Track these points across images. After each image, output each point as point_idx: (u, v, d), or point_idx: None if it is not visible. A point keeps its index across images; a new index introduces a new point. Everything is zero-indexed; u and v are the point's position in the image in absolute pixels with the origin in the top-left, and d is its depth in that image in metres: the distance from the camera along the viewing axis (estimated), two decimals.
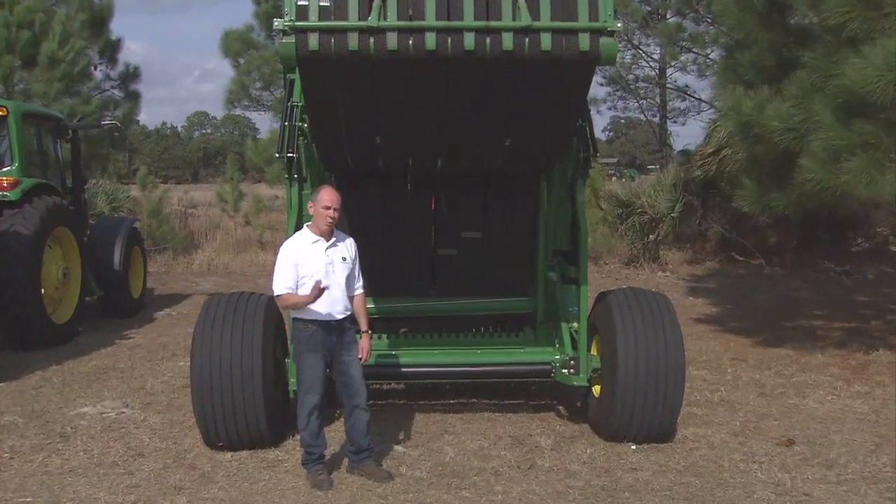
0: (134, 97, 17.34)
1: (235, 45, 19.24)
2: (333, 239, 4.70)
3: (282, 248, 4.70)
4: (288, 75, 5.83)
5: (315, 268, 4.58)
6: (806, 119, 6.61)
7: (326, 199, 4.60)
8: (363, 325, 4.82)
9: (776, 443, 5.42)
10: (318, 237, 4.65)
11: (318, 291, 4.46)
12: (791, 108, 6.71)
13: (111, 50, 17.01)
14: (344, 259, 4.69)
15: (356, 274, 4.82)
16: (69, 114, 13.46)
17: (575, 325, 5.66)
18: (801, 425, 5.84)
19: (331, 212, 4.57)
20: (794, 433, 5.62)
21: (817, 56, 6.70)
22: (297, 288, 4.59)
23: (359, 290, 4.84)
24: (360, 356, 4.73)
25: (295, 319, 4.63)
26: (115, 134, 10.04)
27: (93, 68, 16.12)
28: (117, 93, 17.24)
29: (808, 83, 6.69)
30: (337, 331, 4.66)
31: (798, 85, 6.72)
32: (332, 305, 4.61)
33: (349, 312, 4.73)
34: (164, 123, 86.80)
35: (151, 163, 59.73)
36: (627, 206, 14.93)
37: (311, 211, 4.68)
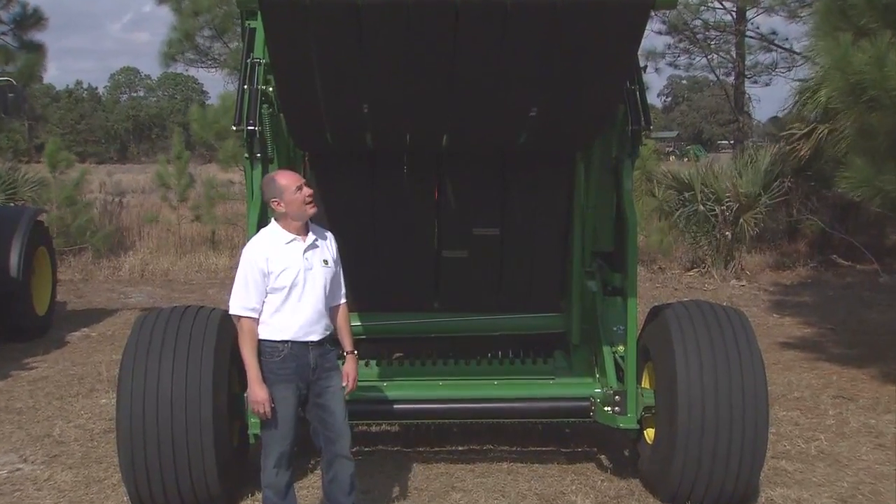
0: (34, 47, 17.30)
1: None
2: (312, 236, 4.72)
3: (244, 251, 4.67)
4: (247, 23, 5.85)
5: (290, 277, 4.57)
6: None
7: (293, 179, 4.66)
8: (348, 345, 4.83)
9: None
10: (293, 235, 4.65)
11: (264, 412, 4.55)
12: None
13: None
14: (326, 262, 4.71)
15: (340, 280, 4.87)
16: None
17: (621, 348, 5.74)
18: None
19: (307, 191, 4.64)
20: None
21: None
22: (262, 307, 4.59)
23: (342, 300, 4.88)
24: (344, 384, 4.73)
25: (261, 340, 4.61)
26: (10, 95, 10.00)
27: None
28: (11, 41, 17.25)
29: None
30: (315, 355, 4.65)
31: None
32: (310, 324, 4.62)
33: (330, 331, 4.75)
34: (79, 83, 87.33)
35: (63, 135, 59.84)
36: (691, 190, 14.98)
37: (276, 208, 4.66)
